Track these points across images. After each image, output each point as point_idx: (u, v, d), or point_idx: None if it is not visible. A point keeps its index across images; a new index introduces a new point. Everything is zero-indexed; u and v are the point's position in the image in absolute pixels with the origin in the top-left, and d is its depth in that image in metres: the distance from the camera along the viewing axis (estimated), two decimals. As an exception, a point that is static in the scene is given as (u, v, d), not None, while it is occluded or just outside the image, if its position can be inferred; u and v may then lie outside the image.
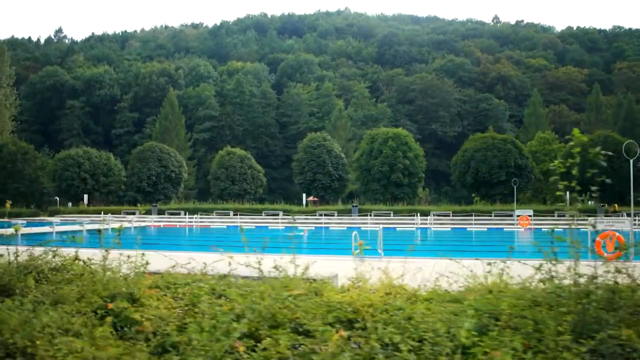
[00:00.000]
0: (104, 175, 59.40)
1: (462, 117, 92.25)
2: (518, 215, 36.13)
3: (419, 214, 38.42)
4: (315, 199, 66.01)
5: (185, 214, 49.02)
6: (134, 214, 51.17)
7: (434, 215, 41.13)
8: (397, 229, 34.62)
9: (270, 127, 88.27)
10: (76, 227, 33.08)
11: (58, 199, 57.43)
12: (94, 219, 40.77)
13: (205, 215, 47.38)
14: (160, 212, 50.80)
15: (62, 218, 41.45)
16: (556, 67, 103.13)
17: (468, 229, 35.25)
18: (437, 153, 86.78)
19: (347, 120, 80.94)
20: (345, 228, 34.21)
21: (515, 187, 43.97)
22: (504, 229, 34.09)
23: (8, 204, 50.53)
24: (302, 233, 26.40)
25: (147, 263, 4.46)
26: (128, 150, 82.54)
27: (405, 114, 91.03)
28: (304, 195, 52.68)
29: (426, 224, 37.12)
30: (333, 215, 45.98)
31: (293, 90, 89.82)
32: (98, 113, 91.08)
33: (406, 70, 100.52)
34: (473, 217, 38.81)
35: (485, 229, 35.00)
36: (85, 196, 56.79)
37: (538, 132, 71.04)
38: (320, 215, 42.84)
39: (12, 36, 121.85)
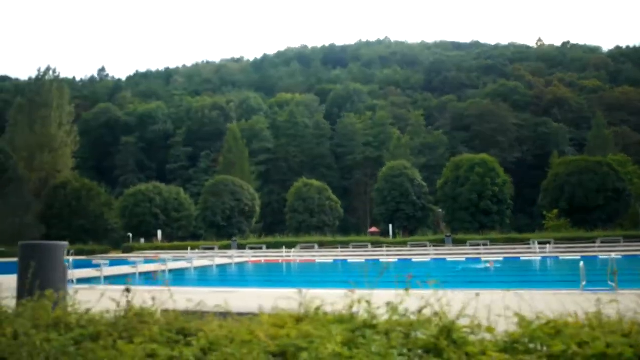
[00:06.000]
0: (175, 211, 58.30)
1: (521, 142, 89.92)
2: (650, 241, 33.61)
3: (537, 242, 36.06)
4: (377, 230, 63.85)
5: (267, 248, 47.57)
6: (212, 249, 49.80)
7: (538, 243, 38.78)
8: (521, 258, 32.40)
9: (326, 158, 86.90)
10: (207, 262, 31.48)
11: (131, 235, 56.19)
12: (199, 255, 39.10)
13: (288, 249, 45.55)
14: (241, 247, 49.12)
15: (174, 255, 39.75)
16: (611, 87, 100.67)
17: (600, 257, 32.75)
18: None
19: (406, 148, 79.10)
20: (501, 259, 31.72)
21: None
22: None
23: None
24: (488, 265, 24.39)
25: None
26: (183, 184, 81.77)
27: (461, 140, 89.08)
28: (390, 226, 50.52)
29: (545, 252, 34.80)
30: (426, 246, 43.92)
31: (347, 120, 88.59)
32: (151, 148, 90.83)
33: (458, 97, 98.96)
34: (597, 245, 36.34)
35: (619, 256, 32.44)
36: (159, 232, 55.57)
37: (609, 154, 68.51)
38: (429, 245, 40.70)
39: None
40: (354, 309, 3.40)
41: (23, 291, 6.25)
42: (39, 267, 7.03)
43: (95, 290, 4.18)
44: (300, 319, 3.42)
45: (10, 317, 3.96)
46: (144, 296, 3.99)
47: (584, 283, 13.74)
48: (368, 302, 3.32)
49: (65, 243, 7.69)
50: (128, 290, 3.82)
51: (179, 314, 3.65)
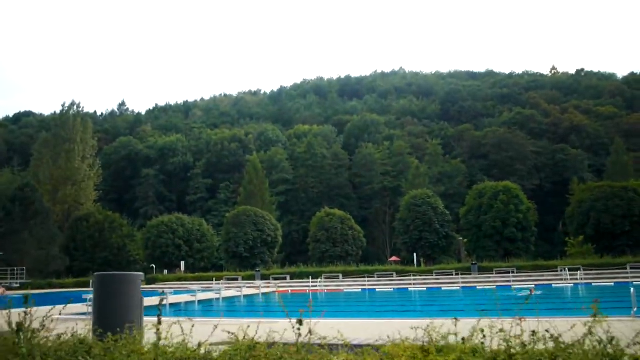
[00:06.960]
0: (198, 242, 58.55)
1: (539, 169, 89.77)
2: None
3: (567, 269, 35.78)
4: (398, 259, 63.49)
5: (291, 279, 47.43)
6: (236, 279, 49.74)
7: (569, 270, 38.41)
8: (553, 285, 32.14)
9: (345, 188, 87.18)
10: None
11: (154, 266, 56.44)
12: (225, 285, 39.24)
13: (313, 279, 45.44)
14: (264, 277, 49.09)
15: (202, 286, 39.98)
16: (627, 113, 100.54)
17: (634, 283, 32.38)
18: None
19: (425, 178, 79.20)
20: (533, 286, 31.48)
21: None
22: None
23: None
24: (529, 292, 24.28)
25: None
26: (203, 216, 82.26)
27: (480, 169, 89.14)
28: (415, 255, 50.38)
29: (577, 279, 34.49)
30: (451, 275, 43.66)
31: (365, 151, 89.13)
32: (171, 180, 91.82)
33: (475, 126, 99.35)
34: (629, 271, 35.96)
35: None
36: (182, 263, 55.77)
37: (631, 180, 68.17)
38: (455, 273, 40.44)
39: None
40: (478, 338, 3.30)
41: (102, 323, 5.99)
42: (116, 298, 6.76)
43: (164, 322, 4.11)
44: (431, 350, 3.24)
45: (104, 351, 3.85)
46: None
47: (634, 309, 13.60)
48: (503, 330, 3.24)
49: (141, 274, 7.40)
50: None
51: (289, 348, 3.49)
